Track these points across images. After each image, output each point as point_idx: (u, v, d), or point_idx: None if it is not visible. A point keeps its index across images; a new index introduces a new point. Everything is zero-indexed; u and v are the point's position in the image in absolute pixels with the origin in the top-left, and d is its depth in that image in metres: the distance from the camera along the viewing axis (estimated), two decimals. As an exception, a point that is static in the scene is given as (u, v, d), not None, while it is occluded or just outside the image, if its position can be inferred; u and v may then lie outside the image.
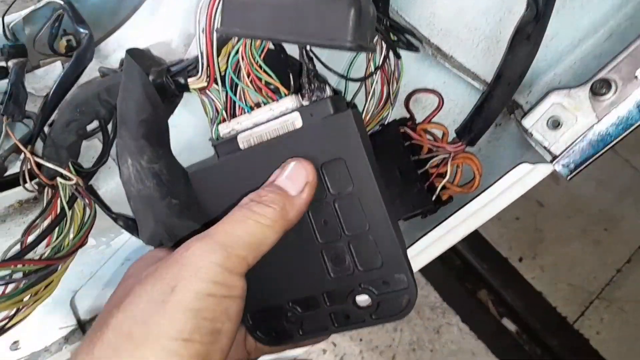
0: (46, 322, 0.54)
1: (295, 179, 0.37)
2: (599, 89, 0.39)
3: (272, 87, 0.42)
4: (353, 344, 1.08)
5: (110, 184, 0.52)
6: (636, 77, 0.37)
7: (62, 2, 0.54)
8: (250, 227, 0.34)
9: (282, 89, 0.41)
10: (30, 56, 0.57)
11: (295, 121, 0.40)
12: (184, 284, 0.31)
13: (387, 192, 0.40)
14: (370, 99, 0.49)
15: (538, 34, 0.41)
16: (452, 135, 0.49)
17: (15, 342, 0.53)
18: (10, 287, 0.41)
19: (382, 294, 0.39)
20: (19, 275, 0.43)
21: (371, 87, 0.47)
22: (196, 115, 0.51)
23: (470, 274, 1.22)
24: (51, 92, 0.48)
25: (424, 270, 1.19)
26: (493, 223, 1.29)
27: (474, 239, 1.24)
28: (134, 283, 0.34)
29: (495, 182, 0.44)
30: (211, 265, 0.32)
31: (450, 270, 1.22)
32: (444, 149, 0.48)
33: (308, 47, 0.41)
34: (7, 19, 0.59)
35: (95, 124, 0.51)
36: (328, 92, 0.40)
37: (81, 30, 0.52)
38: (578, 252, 1.28)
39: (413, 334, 1.11)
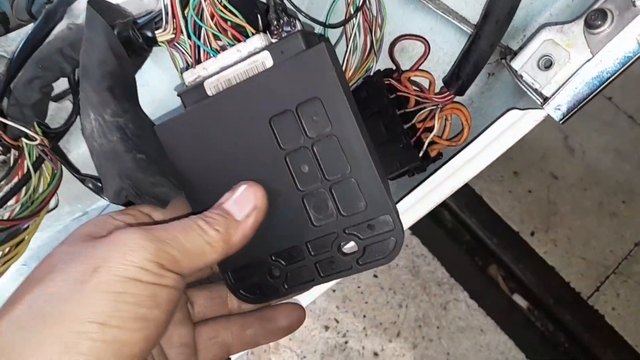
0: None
1: (243, 203, 0.37)
2: (594, 20, 0.35)
3: (238, 28, 0.39)
4: (356, 320, 1.05)
5: (82, 147, 0.50)
6: (634, 3, 0.33)
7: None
8: (192, 237, 0.34)
9: (250, 29, 0.39)
10: (11, 22, 0.55)
11: (265, 60, 0.37)
12: (108, 266, 0.30)
13: (367, 133, 0.38)
14: (353, 51, 0.46)
15: (527, -37, 0.37)
16: (441, 85, 0.46)
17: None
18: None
19: (367, 238, 0.38)
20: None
21: (351, 31, 0.44)
22: (168, 72, 0.49)
23: (480, 249, 1.19)
24: (17, 50, 0.46)
25: (431, 245, 1.16)
26: (504, 196, 1.25)
27: (484, 213, 1.21)
28: (58, 260, 0.32)
29: (482, 132, 0.41)
30: (141, 252, 0.31)
31: (459, 245, 1.19)
32: (431, 100, 0.45)
33: None
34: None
35: (66, 85, 0.49)
36: (298, 26, 0.38)
37: (53, -12, 0.50)
38: (594, 226, 1.23)
39: (419, 310, 1.08)
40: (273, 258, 0.41)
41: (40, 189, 0.43)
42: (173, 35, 0.42)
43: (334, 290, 1.05)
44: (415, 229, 1.17)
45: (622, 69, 0.34)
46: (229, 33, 0.39)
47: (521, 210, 1.23)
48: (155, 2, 0.52)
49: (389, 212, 0.37)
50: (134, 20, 0.44)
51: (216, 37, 0.40)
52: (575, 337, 1.13)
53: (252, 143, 0.39)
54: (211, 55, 0.40)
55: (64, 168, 0.46)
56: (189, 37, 0.40)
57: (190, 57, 0.42)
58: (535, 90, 0.38)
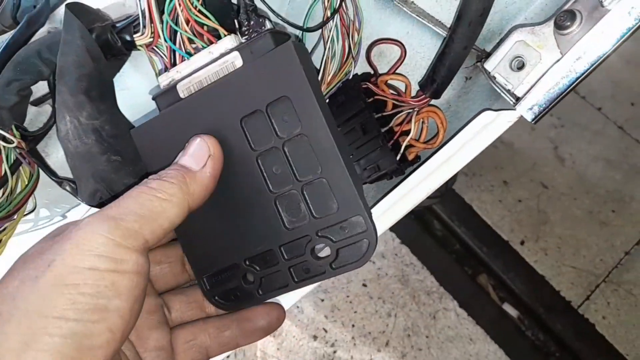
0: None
1: (197, 155, 0.36)
2: (563, 21, 0.36)
3: (214, 32, 0.39)
4: (345, 330, 1.04)
5: (60, 151, 0.49)
6: (602, 4, 0.34)
7: (20, -30, 0.53)
8: (144, 200, 0.32)
9: (223, 31, 0.39)
10: (-5, 28, 0.55)
11: (235, 61, 0.37)
12: (61, 258, 0.29)
13: (339, 132, 0.38)
14: (332, 56, 0.46)
15: (497, -34, 0.38)
16: (417, 89, 0.46)
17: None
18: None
19: (340, 240, 0.38)
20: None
21: (329, 34, 0.44)
22: (147, 76, 0.49)
23: (470, 258, 1.18)
24: (-4, 55, 0.46)
25: (420, 254, 1.16)
26: (494, 205, 1.25)
27: (474, 222, 1.21)
28: (16, 263, 0.32)
29: (456, 134, 0.41)
30: (95, 237, 0.29)
31: (448, 254, 1.18)
32: (407, 103, 0.45)
33: None
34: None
35: (47, 89, 0.49)
36: (268, 26, 0.38)
37: (36, -5, 0.51)
38: (584, 235, 1.23)
39: (408, 319, 1.07)
40: (247, 263, 0.40)
41: (18, 191, 0.43)
42: (151, 39, 0.43)
43: (322, 300, 1.04)
44: (405, 237, 1.16)
45: (591, 69, 0.35)
46: (204, 37, 0.39)
47: (511, 220, 1.23)
48: (135, 7, 0.53)
49: (360, 212, 0.37)
50: (112, 24, 0.45)
51: (191, 41, 0.40)
52: (566, 346, 1.12)
53: (224, 144, 0.38)
54: (186, 58, 0.40)
55: (41, 171, 0.46)
56: (165, 41, 0.41)
57: (167, 61, 0.43)
58: (508, 91, 0.39)
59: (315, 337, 1.03)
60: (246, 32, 0.38)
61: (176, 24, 0.40)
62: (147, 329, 0.40)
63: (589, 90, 1.44)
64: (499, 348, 1.08)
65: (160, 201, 0.32)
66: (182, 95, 0.40)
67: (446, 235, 1.20)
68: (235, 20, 0.41)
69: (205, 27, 0.39)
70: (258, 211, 0.39)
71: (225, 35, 0.39)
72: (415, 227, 1.20)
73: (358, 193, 0.37)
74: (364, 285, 1.09)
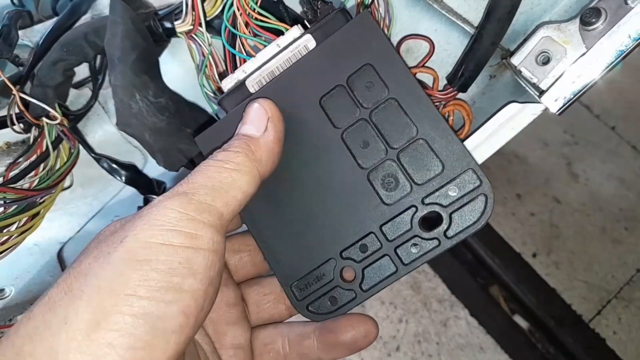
0: (33, 271, 0.54)
1: (256, 120, 0.34)
2: (589, 18, 0.37)
3: (272, 30, 0.39)
4: (357, 332, 1.05)
5: (98, 132, 0.52)
6: (626, 2, 0.36)
7: (64, -37, 0.56)
8: (212, 173, 0.31)
9: (284, 26, 0.39)
10: (35, 19, 0.58)
11: (308, 44, 0.37)
12: (134, 234, 0.27)
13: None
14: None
15: (526, -35, 0.39)
16: (444, 83, 0.48)
17: (0, 291, 0.53)
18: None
19: (451, 203, 0.34)
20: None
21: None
22: (184, 65, 0.51)
23: (482, 269, 1.19)
24: (43, 37, 0.49)
25: (432, 263, 1.17)
26: (507, 218, 1.26)
27: (486, 233, 1.21)
28: (90, 243, 0.31)
29: (482, 125, 0.42)
30: (167, 211, 0.28)
31: (461, 264, 1.19)
32: (434, 96, 0.47)
33: None
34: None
35: (86, 73, 0.52)
36: (335, 8, 0.37)
37: (79, -14, 0.53)
38: (596, 251, 1.23)
39: (419, 325, 1.08)
40: (343, 256, 0.35)
41: (58, 166, 0.45)
42: (191, 27, 0.45)
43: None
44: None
45: (614, 62, 0.36)
46: (263, 37, 0.40)
47: (523, 232, 1.23)
48: (174, -2, 0.56)
49: (471, 166, 0.34)
50: (155, 11, 0.47)
51: (249, 42, 0.40)
52: (576, 360, 1.12)
53: (304, 129, 0.36)
54: (246, 60, 0.39)
55: (80, 149, 0.48)
56: (225, 48, 0.41)
57: (207, 49, 0.45)
58: (533, 85, 0.40)
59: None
60: (314, 20, 0.38)
61: (234, 28, 0.40)
62: (225, 324, 0.37)
63: (603, 109, 1.46)
64: (509, 358, 1.08)
65: (228, 172, 0.31)
66: (252, 90, 0.38)
67: (459, 246, 1.21)
68: (287, 16, 0.42)
69: (263, 28, 0.39)
70: (350, 193, 0.35)
71: (286, 29, 0.38)
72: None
73: (464, 146, 0.34)
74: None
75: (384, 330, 1.06)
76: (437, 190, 0.34)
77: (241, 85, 0.38)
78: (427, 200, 0.34)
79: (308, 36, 0.37)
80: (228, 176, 0.31)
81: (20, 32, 0.53)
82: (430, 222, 0.35)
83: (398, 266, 0.35)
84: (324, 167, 0.35)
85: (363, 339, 0.36)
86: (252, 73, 0.38)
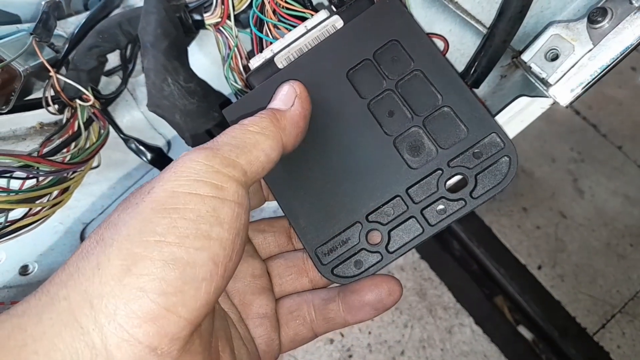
0: (57, 249, 0.56)
1: (284, 97, 0.35)
2: (596, 16, 0.40)
3: (299, 16, 0.42)
4: (361, 336, 1.06)
5: (125, 117, 0.54)
6: (631, 2, 0.38)
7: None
8: (237, 133, 0.32)
9: (309, 12, 0.41)
10: (66, 12, 0.61)
11: (336, 23, 0.39)
12: (160, 184, 0.28)
13: None
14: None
15: (537, -33, 0.42)
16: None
17: (24, 267, 0.55)
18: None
19: (476, 165, 0.35)
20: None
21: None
22: (210, 57, 0.54)
23: (487, 279, 1.20)
24: (79, 26, 0.52)
25: (439, 271, 1.18)
26: (512, 230, 1.27)
27: (492, 244, 1.23)
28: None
29: (493, 117, 0.45)
30: (193, 164, 0.28)
31: (466, 273, 1.20)
32: (447, 92, 0.49)
33: None
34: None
35: (116, 62, 0.55)
36: None
37: (113, -18, 0.57)
38: (601, 265, 1.24)
39: (424, 331, 1.08)
40: (369, 219, 0.36)
41: (88, 145, 0.47)
42: (219, 19, 0.47)
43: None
44: (424, 253, 1.19)
45: (619, 57, 0.38)
46: (289, 23, 0.42)
47: (529, 245, 1.24)
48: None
49: (494, 129, 0.35)
50: (185, 4, 0.50)
51: (276, 27, 0.43)
52: (580, 373, 1.12)
53: (331, 101, 0.37)
54: (273, 43, 0.41)
55: (109, 132, 0.51)
56: (253, 33, 0.43)
57: (233, 42, 0.47)
58: (542, 80, 0.42)
59: (331, 341, 1.04)
60: (340, 6, 0.40)
61: (262, 14, 0.42)
62: (250, 294, 0.38)
63: (610, 129, 1.48)
64: (512, 367, 1.08)
65: (253, 134, 0.32)
66: (280, 66, 0.39)
67: (464, 255, 1.22)
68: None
69: (290, 14, 0.42)
70: (376, 158, 0.36)
71: (311, 15, 0.41)
72: (434, 245, 1.22)
73: (487, 111, 0.35)
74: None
75: (389, 335, 1.07)
76: (462, 153, 0.35)
77: (270, 62, 0.40)
78: (452, 164, 0.35)
79: (336, 17, 0.39)
80: (252, 137, 0.31)
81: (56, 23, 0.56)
82: (456, 187, 0.36)
83: (424, 227, 0.35)
84: (350, 134, 0.37)
85: (387, 297, 0.36)
86: (280, 51, 0.40)
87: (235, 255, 0.29)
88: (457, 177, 0.35)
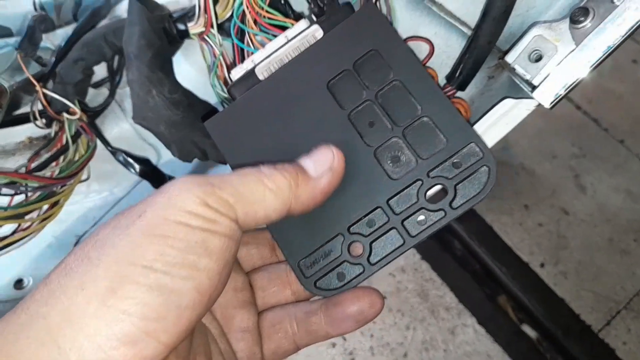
0: (51, 262, 0.56)
1: (318, 161, 0.34)
2: (578, 16, 0.39)
3: (279, 26, 0.42)
4: (363, 339, 1.06)
5: (114, 129, 0.54)
6: (612, 1, 0.38)
7: (85, -27, 0.59)
8: (249, 180, 0.31)
9: (290, 22, 0.41)
10: (56, 24, 0.62)
11: (316, 33, 0.39)
12: (153, 210, 0.28)
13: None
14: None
15: (519, -33, 0.42)
16: (444, 82, 0.50)
17: (19, 281, 0.55)
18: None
19: (456, 175, 0.35)
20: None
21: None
22: (196, 65, 0.54)
23: (489, 278, 1.19)
24: (66, 39, 0.52)
25: (440, 271, 1.17)
26: (514, 228, 1.27)
27: (494, 243, 1.22)
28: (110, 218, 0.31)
29: (478, 120, 0.44)
30: (188, 195, 0.28)
31: (468, 273, 1.19)
32: (434, 95, 0.49)
33: None
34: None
35: (104, 74, 0.55)
36: (342, 3, 0.40)
37: (99, -6, 0.57)
38: (604, 261, 1.23)
39: (426, 333, 1.08)
40: (351, 231, 0.36)
41: (76, 159, 0.48)
42: (203, 29, 0.47)
43: (342, 309, 1.05)
44: (425, 253, 1.18)
45: (602, 57, 0.38)
46: (270, 33, 0.42)
47: (531, 242, 1.24)
48: (188, 2, 0.59)
49: (473, 139, 0.35)
50: (169, 14, 0.50)
51: (257, 38, 0.43)
52: (585, 371, 1.12)
53: (312, 113, 0.37)
54: (254, 53, 0.41)
55: (97, 144, 0.51)
56: (234, 43, 0.43)
57: (218, 50, 0.47)
58: (527, 81, 0.42)
59: (334, 345, 1.04)
60: (320, 16, 0.40)
61: (243, 24, 0.42)
62: (232, 308, 0.37)
63: (611, 123, 1.47)
64: (516, 367, 1.08)
65: (264, 188, 0.31)
66: (261, 77, 0.39)
67: (466, 255, 1.21)
68: (310, 8, 0.43)
69: (271, 24, 0.42)
70: (357, 170, 0.36)
71: (292, 25, 0.40)
72: (435, 245, 1.22)
73: (466, 120, 0.35)
74: (384, 297, 1.11)
75: (392, 337, 1.06)
76: (441, 163, 0.36)
77: (251, 73, 0.40)
78: (432, 174, 0.36)
79: (316, 26, 0.39)
80: (261, 192, 0.31)
81: (43, 36, 0.56)
82: (436, 196, 0.36)
83: (405, 238, 0.35)
84: (334, 145, 0.36)
85: (369, 310, 0.36)
86: (260, 62, 0.40)
87: (222, 283, 0.29)
88: (438, 187, 0.36)
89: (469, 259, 1.21)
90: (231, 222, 0.29)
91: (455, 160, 0.35)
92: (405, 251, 0.36)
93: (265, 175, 0.31)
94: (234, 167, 0.38)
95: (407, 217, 0.36)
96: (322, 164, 0.34)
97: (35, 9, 0.62)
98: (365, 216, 0.36)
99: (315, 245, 0.36)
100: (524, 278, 1.18)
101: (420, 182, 0.36)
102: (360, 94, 0.37)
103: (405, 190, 0.36)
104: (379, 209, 0.36)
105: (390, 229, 0.36)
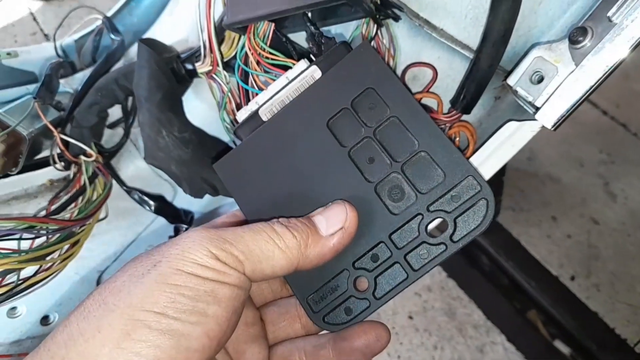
0: (75, 298, 0.58)
1: (331, 219, 0.35)
2: (576, 37, 0.39)
3: (281, 66, 0.43)
4: (390, 360, 1.05)
5: (130, 167, 0.56)
6: (609, 19, 0.37)
7: (101, 17, 0.62)
8: (261, 238, 0.33)
9: (291, 62, 0.42)
10: (77, 67, 0.65)
11: (314, 73, 0.40)
12: (167, 260, 0.30)
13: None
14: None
15: (515, -10, 0.42)
16: (449, 107, 0.50)
17: (45, 318, 0.57)
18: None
19: (455, 209, 0.36)
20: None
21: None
22: (206, 102, 0.56)
23: (518, 293, 1.17)
24: (82, 83, 0.54)
25: (467, 288, 1.15)
26: (542, 240, 1.24)
27: (521, 256, 1.20)
28: (127, 263, 0.33)
29: (483, 144, 0.44)
30: (200, 248, 0.31)
31: (496, 289, 1.17)
32: (440, 119, 0.49)
33: (309, 14, 0.43)
34: (59, 38, 0.67)
35: (119, 115, 0.57)
36: (338, 42, 0.41)
37: (114, 37, 0.59)
38: (638, 271, 1.19)
39: (454, 352, 1.06)
40: (356, 266, 0.37)
41: (94, 199, 0.49)
42: (210, 67, 0.49)
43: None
44: (451, 271, 1.17)
45: (602, 77, 0.37)
46: (273, 73, 0.43)
47: (560, 255, 1.21)
48: (197, 41, 0.61)
49: (470, 173, 0.35)
50: (177, 55, 0.52)
51: (260, 78, 0.44)
52: (623, 387, 1.07)
53: (314, 151, 0.38)
54: (258, 94, 0.42)
55: (114, 183, 0.53)
56: (238, 84, 0.44)
57: (226, 87, 0.48)
58: (530, 103, 0.42)
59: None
60: (319, 54, 0.42)
61: (246, 66, 0.43)
62: (243, 342, 0.39)
63: (640, 127, 1.43)
64: (549, 384, 1.05)
65: (274, 247, 0.32)
66: (264, 119, 0.40)
67: (493, 270, 1.19)
68: (294, 51, 0.45)
69: (273, 65, 0.43)
70: (359, 206, 0.36)
71: (293, 64, 0.42)
72: (461, 261, 1.20)
73: (463, 155, 0.36)
74: (410, 317, 1.09)
75: (419, 357, 1.05)
76: (440, 197, 0.36)
77: (255, 114, 0.41)
78: (432, 208, 0.36)
79: (314, 67, 0.40)
80: (271, 250, 0.32)
81: (62, 81, 0.59)
82: (440, 229, 0.36)
83: (409, 272, 0.36)
84: (334, 183, 0.38)
85: (375, 344, 0.37)
86: (264, 104, 0.41)
87: (231, 328, 0.31)
88: (438, 220, 0.36)
89: (496, 274, 1.19)
90: (240, 274, 0.31)
91: (453, 194, 0.36)
92: (409, 285, 0.36)
93: (276, 234, 0.33)
94: (242, 207, 0.40)
95: (410, 252, 0.36)
96: (335, 223, 0.35)
97: (57, 53, 0.65)
98: (369, 251, 0.37)
99: (323, 280, 0.37)
100: (554, 292, 1.15)
101: (420, 217, 0.36)
102: (359, 132, 0.38)
103: (406, 225, 0.37)
104: (382, 244, 0.37)
105: (394, 264, 0.36)
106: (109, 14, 0.65)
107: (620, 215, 1.27)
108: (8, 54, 0.60)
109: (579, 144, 1.43)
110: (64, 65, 0.59)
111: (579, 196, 1.30)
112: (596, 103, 1.55)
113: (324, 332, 0.39)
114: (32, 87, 0.56)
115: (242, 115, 0.42)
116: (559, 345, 1.09)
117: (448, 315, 1.10)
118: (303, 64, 0.42)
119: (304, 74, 0.40)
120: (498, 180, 1.18)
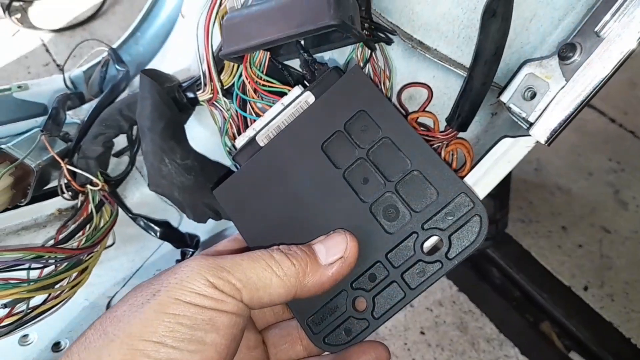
0: (85, 324, 0.59)
1: (331, 249, 0.36)
2: (565, 53, 0.40)
3: (278, 93, 0.44)
4: (403, 376, 1.04)
5: (135, 194, 0.57)
6: (596, 34, 0.38)
7: (107, 49, 0.64)
8: (259, 265, 0.33)
9: (287, 89, 0.44)
10: (86, 97, 0.67)
11: (308, 99, 0.42)
12: (166, 290, 0.31)
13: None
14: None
15: (504, 9, 0.42)
16: (445, 125, 0.50)
17: (56, 344, 0.58)
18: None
19: (449, 226, 0.36)
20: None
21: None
22: (209, 128, 0.57)
23: (531, 305, 1.15)
24: (88, 115, 0.56)
25: (479, 302, 1.14)
26: (553, 251, 1.23)
27: (533, 268, 1.19)
28: (128, 293, 0.34)
29: (479, 161, 0.45)
30: (198, 277, 0.31)
31: (508, 301, 1.16)
32: (436, 138, 0.49)
33: (302, 42, 0.44)
34: (70, 69, 0.69)
35: (125, 143, 0.58)
36: (330, 67, 0.43)
37: (119, 68, 0.61)
38: (653, 280, 1.17)
39: (468, 367, 1.05)
40: (353, 287, 0.38)
41: (101, 226, 0.50)
42: (211, 95, 0.50)
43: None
44: (462, 285, 1.16)
45: (593, 91, 0.38)
46: (270, 100, 0.45)
47: (571, 265, 1.20)
48: (198, 70, 0.62)
49: (463, 190, 0.36)
50: (179, 84, 0.53)
51: (258, 105, 0.45)
52: (641, 398, 1.05)
53: (310, 174, 0.39)
54: (255, 120, 0.44)
55: (119, 210, 0.54)
56: (237, 112, 0.46)
57: (227, 114, 0.49)
58: (523, 119, 0.42)
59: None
60: (312, 80, 0.43)
61: (244, 94, 0.45)
62: None
63: (649, 133, 1.42)
64: (566, 397, 1.03)
65: (272, 275, 0.33)
66: (261, 144, 0.42)
67: (505, 283, 1.18)
68: (290, 77, 0.46)
69: (270, 92, 0.44)
70: (355, 226, 0.37)
71: (288, 91, 0.43)
72: (472, 275, 1.19)
73: (455, 173, 0.37)
74: (422, 333, 1.08)
75: (432, 373, 1.04)
76: (434, 215, 0.37)
77: (252, 140, 0.42)
78: (426, 226, 0.37)
79: (308, 93, 0.42)
80: (268, 278, 0.33)
81: (70, 112, 0.60)
82: (436, 247, 0.37)
83: (406, 291, 0.37)
84: (329, 205, 0.38)
85: None
86: (261, 129, 0.43)
87: (230, 356, 0.31)
88: (434, 238, 0.37)
89: (508, 287, 1.18)
90: (238, 302, 0.32)
91: (447, 212, 0.36)
92: (407, 304, 0.37)
93: (274, 261, 0.33)
94: (242, 233, 0.40)
95: (406, 270, 0.37)
96: (335, 253, 0.35)
97: (66, 85, 0.67)
98: (366, 271, 0.38)
99: (322, 302, 0.38)
100: (567, 303, 1.14)
101: (415, 235, 0.37)
102: (353, 153, 0.39)
103: (402, 244, 0.37)
104: (378, 263, 0.37)
105: (391, 283, 0.37)
106: (117, 44, 0.67)
107: (632, 224, 1.26)
108: (19, 87, 0.62)
109: (587, 153, 1.42)
110: (71, 97, 0.60)
111: (589, 205, 1.29)
112: (604, 111, 1.55)
113: (326, 353, 0.39)
114: (41, 120, 0.57)
115: (240, 141, 0.44)
116: (575, 356, 1.08)
117: (460, 330, 1.09)
118: (297, 89, 0.43)
119: (298, 100, 0.42)
120: (504, 193, 1.18)
